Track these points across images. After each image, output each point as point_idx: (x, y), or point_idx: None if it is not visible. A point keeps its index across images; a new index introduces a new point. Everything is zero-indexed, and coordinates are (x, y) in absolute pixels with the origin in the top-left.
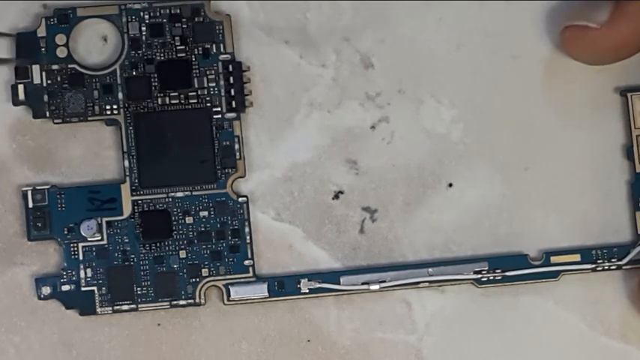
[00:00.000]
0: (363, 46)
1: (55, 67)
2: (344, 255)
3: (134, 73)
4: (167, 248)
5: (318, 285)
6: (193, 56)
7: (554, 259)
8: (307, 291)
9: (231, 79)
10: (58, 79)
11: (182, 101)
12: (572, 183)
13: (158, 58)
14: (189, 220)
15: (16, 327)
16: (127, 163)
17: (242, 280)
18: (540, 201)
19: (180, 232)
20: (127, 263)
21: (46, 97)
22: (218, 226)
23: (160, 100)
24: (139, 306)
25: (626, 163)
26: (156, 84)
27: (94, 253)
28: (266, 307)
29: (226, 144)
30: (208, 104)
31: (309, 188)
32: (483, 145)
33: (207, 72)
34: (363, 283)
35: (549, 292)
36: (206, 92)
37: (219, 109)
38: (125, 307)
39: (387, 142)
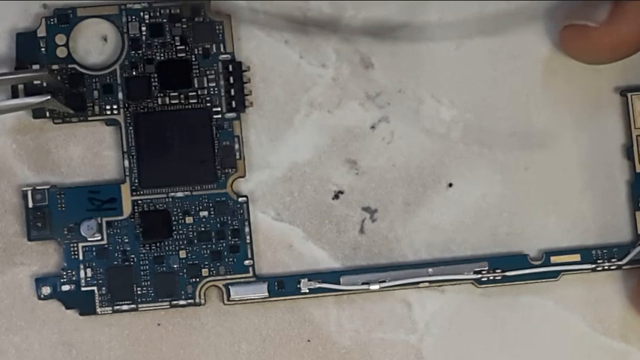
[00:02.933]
0: (363, 46)
1: (55, 67)
2: (344, 255)
3: (134, 73)
4: (167, 248)
5: (318, 285)
6: (193, 56)
7: (554, 259)
8: (307, 291)
9: (231, 79)
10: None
11: (182, 101)
12: (572, 183)
13: (158, 58)
14: (189, 220)
15: (16, 327)
16: (127, 163)
17: (242, 280)
18: (540, 201)
19: (180, 232)
20: (127, 263)
21: None
22: (218, 226)
23: (160, 100)
24: (139, 306)
25: (626, 163)
26: (156, 84)
27: (94, 253)
28: (266, 307)
29: (226, 144)
30: (208, 104)
31: (309, 188)
32: (483, 145)
33: (207, 72)
34: (363, 283)
35: (549, 292)
36: (206, 92)
37: (219, 109)
38: (125, 307)
39: (387, 142)
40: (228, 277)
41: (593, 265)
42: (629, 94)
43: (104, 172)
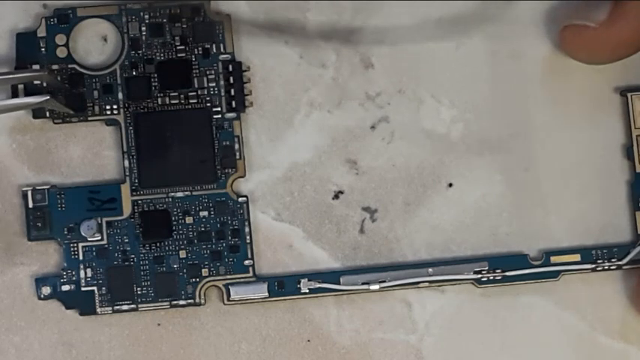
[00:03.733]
0: (363, 46)
1: (55, 67)
2: (344, 255)
3: (134, 73)
4: (167, 248)
5: (318, 285)
6: (193, 56)
7: (554, 259)
8: (307, 291)
9: (231, 79)
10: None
11: (182, 101)
12: (572, 183)
13: (158, 58)
14: (189, 220)
15: (16, 327)
16: (127, 163)
17: (242, 280)
18: (540, 201)
19: (180, 232)
20: (127, 263)
21: None
22: (218, 226)
23: (160, 100)
24: (139, 306)
25: (626, 163)
26: (156, 84)
27: (94, 253)
28: (266, 307)
29: (226, 144)
30: (208, 104)
31: (309, 188)
32: (483, 145)
33: (207, 72)
34: (363, 283)
35: (549, 292)
36: (206, 92)
37: (219, 109)
38: (125, 307)
39: (387, 142)
40: (228, 277)
41: (593, 265)
42: (629, 94)
43: (104, 172)
